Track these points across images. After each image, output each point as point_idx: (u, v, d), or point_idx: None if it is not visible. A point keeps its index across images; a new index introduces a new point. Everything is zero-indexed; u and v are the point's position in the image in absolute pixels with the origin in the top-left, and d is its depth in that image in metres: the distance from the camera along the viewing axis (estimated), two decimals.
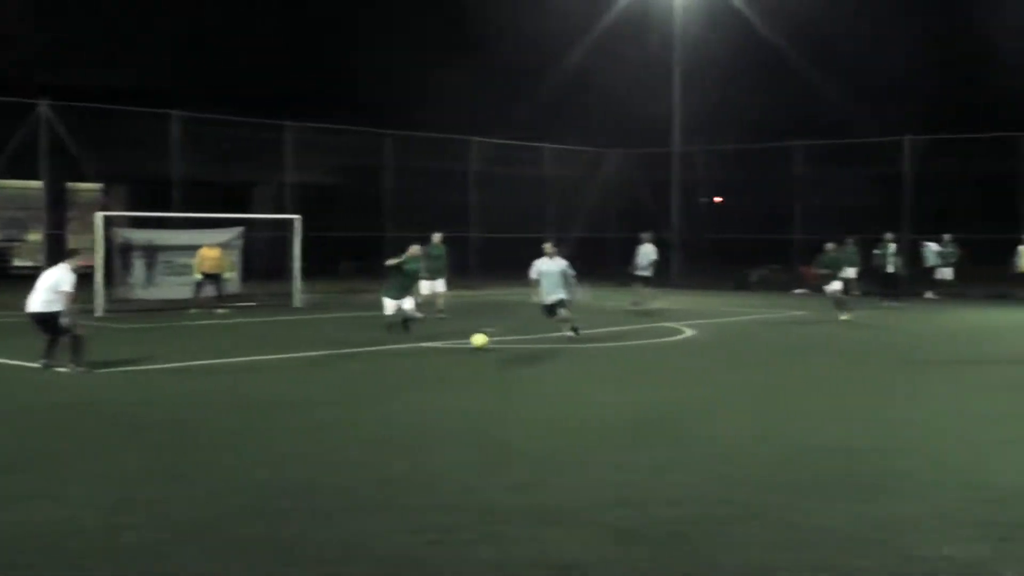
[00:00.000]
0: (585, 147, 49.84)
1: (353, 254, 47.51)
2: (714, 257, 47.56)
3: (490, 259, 43.83)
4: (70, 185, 48.34)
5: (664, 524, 8.43)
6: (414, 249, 22.86)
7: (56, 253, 26.62)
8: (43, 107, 32.70)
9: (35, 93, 33.60)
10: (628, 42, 54.49)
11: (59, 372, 17.18)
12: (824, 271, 29.28)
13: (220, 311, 29.83)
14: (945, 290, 38.15)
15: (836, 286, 28.83)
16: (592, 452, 11.26)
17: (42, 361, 17.58)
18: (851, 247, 38.10)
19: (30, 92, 34.29)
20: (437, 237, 28.55)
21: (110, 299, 30.40)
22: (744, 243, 45.91)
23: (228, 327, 26.68)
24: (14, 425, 12.86)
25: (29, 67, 49.28)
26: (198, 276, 30.45)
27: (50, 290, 17.61)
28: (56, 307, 17.50)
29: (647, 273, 32.60)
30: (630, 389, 16.05)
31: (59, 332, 17.57)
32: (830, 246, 29.42)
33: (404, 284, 22.47)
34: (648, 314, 29.70)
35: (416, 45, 61.06)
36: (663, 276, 41.56)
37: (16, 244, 55.12)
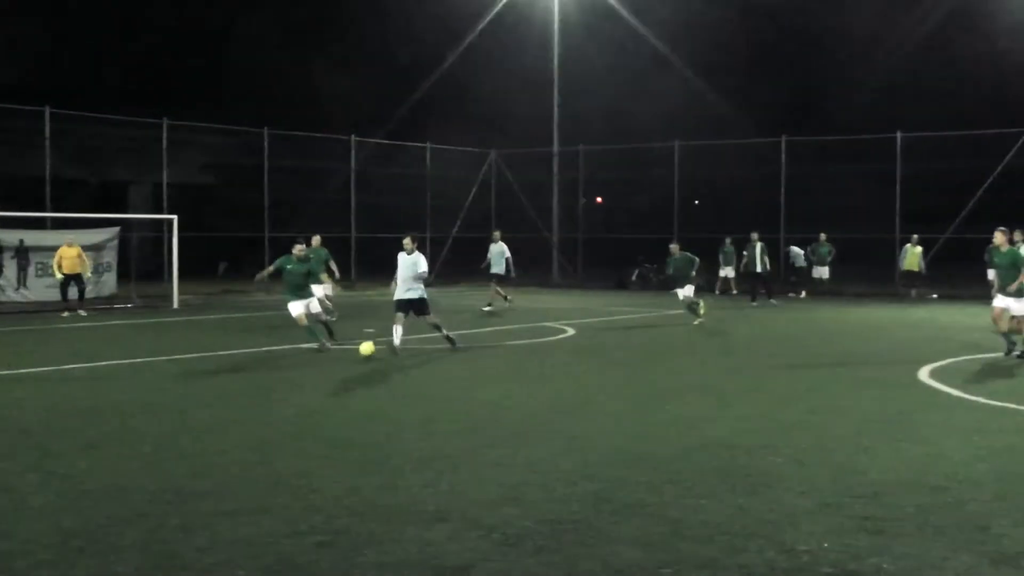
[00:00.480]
0: (466, 147, 49.87)
1: (231, 255, 47.06)
2: (595, 256, 47.96)
3: (371, 259, 43.67)
4: None
5: (549, 523, 8.40)
6: (298, 249, 22.18)
7: None
8: None
9: None
10: (510, 42, 54.71)
11: None
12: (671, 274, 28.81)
13: (82, 313, 29.24)
14: (823, 288, 38.84)
15: (687, 291, 28.05)
16: (476, 452, 11.21)
17: None
18: (728, 247, 38.65)
19: None
20: (316, 240, 28.18)
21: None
22: (626, 243, 46.33)
23: (100, 329, 26.17)
24: None
25: None
26: (59, 276, 29.76)
27: None
28: None
29: (499, 271, 32.40)
30: (512, 388, 16.02)
31: None
32: (674, 247, 28.65)
33: (299, 284, 21.35)
34: (498, 314, 29.80)
35: (295, 43, 60.65)
36: (544, 276, 41.78)
37: None
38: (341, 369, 18.19)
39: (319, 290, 24.61)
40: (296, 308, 21.27)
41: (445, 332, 20.95)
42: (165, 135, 37.93)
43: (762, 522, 8.44)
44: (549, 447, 11.47)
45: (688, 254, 27.86)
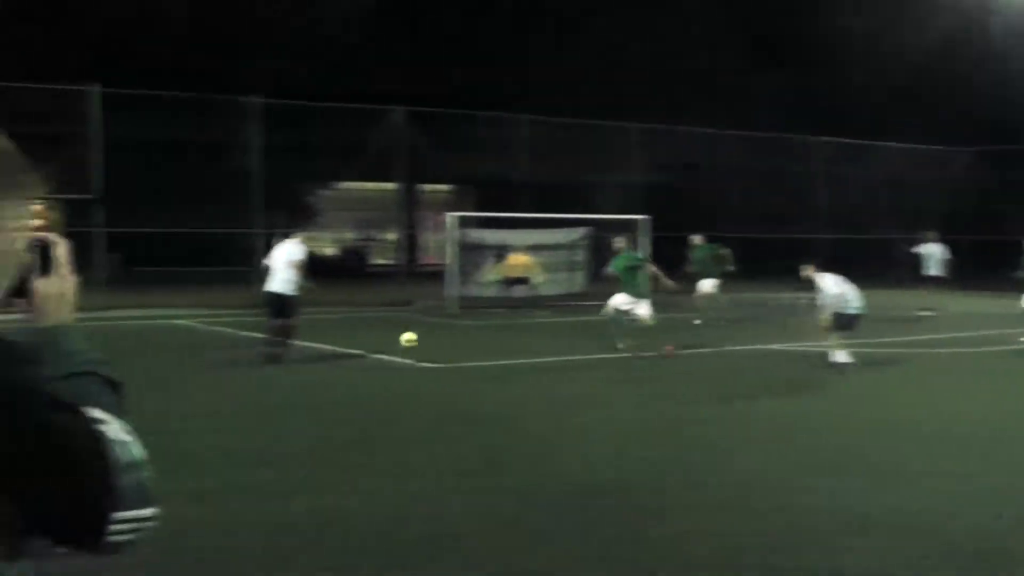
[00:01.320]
0: (931, 145, 48.07)
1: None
2: None
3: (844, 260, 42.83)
4: (421, 187, 50.12)
5: (987, 539, 8.00)
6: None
7: (410, 252, 27.55)
8: (396, 113, 33.98)
9: (389, 100, 34.99)
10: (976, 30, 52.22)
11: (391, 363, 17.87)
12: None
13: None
14: None
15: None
16: (934, 461, 10.78)
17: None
18: None
19: (384, 99, 35.78)
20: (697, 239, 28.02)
21: (459, 297, 31.33)
22: None
23: (567, 326, 26.94)
24: (338, 415, 13.38)
25: (380, 75, 51.43)
26: (497, 278, 30.97)
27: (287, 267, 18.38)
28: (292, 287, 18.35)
29: (937, 273, 30.46)
30: (978, 398, 15.30)
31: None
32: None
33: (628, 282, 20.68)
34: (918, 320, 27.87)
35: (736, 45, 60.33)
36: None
37: (372, 244, 57.66)
38: (807, 373, 17.94)
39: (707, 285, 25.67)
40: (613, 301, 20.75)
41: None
42: (633, 138, 38.78)
43: None
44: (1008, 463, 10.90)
45: None
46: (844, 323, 17.79)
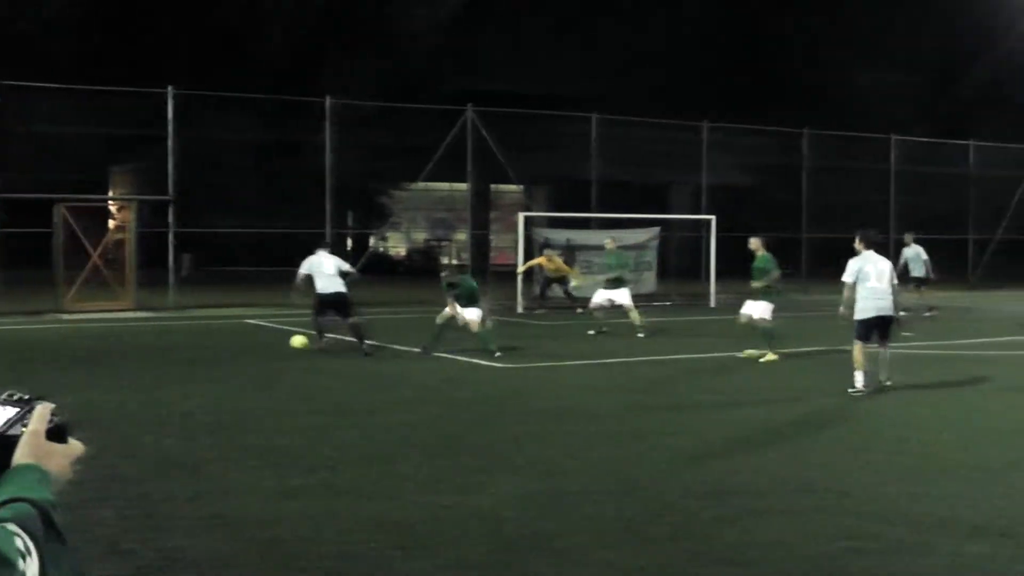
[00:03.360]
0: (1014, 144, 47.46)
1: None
2: None
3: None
4: (493, 187, 50.30)
5: None
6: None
7: (481, 252, 27.65)
8: (469, 112, 34.15)
9: (461, 99, 35.16)
10: None
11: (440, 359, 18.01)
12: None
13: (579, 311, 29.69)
14: None
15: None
16: (1017, 465, 10.72)
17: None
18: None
19: (456, 99, 35.97)
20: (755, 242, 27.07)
21: (529, 297, 31.43)
22: None
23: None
24: (427, 413, 13.44)
25: (452, 75, 51.69)
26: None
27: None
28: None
29: (919, 275, 29.72)
30: None
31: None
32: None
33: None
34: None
35: (834, 43, 59.93)
36: None
37: (444, 244, 57.94)
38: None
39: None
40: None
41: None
42: (705, 137, 38.61)
43: None
44: None
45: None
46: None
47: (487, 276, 33.05)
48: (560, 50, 57.38)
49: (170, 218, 30.05)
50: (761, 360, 19.06)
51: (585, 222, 36.08)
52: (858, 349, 15.11)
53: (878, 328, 15.28)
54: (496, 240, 53.40)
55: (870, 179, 44.23)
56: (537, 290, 31.86)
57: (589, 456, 10.94)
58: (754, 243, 20.35)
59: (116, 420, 12.34)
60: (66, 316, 27.04)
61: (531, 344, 21.70)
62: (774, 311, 19.81)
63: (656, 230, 35.63)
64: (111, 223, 32.32)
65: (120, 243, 30.08)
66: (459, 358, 18.99)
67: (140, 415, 13.01)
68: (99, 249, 29.13)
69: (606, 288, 24.77)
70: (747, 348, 19.78)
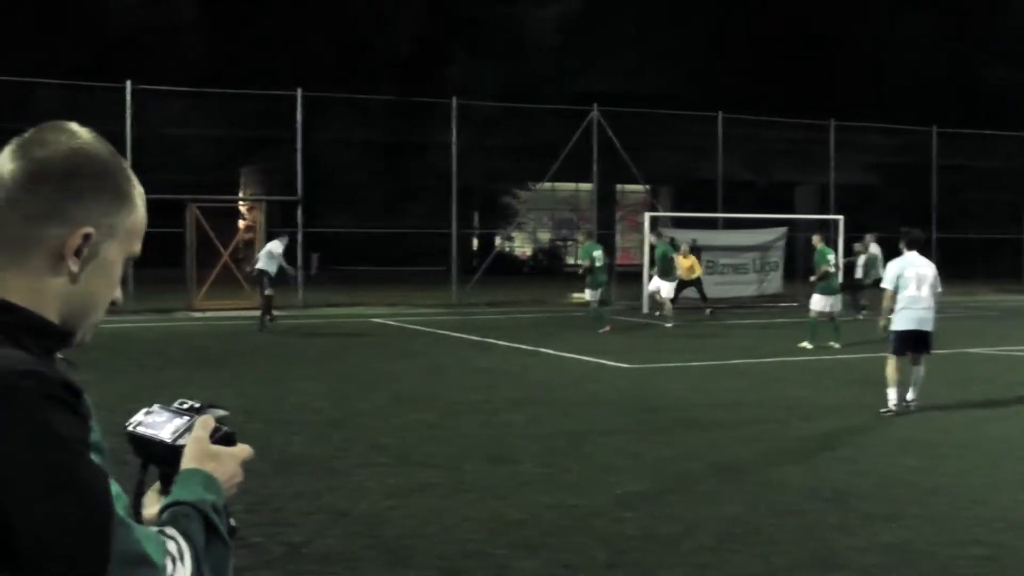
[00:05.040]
0: None
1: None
2: None
3: None
4: (618, 187, 50.18)
5: None
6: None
7: (607, 252, 27.43)
8: (595, 112, 34.14)
9: (586, 100, 35.18)
10: None
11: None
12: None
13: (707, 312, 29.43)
14: None
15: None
16: None
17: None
18: None
19: (581, 99, 36.01)
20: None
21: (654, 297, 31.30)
22: None
23: (765, 327, 26.72)
24: (553, 414, 13.44)
25: (576, 75, 51.69)
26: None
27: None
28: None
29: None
30: None
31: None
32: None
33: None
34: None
35: (957, 38, 58.78)
36: None
37: (568, 244, 57.95)
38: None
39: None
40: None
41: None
42: (832, 136, 38.12)
43: None
44: None
45: None
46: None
47: (612, 275, 32.96)
48: (682, 49, 57.08)
49: (299, 218, 30.50)
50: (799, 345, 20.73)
51: (712, 222, 35.85)
52: (891, 365, 13.65)
53: (914, 342, 13.73)
54: (621, 240, 53.26)
55: (1002, 178, 43.35)
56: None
57: (711, 457, 10.86)
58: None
59: (246, 417, 12.54)
60: (196, 314, 27.58)
61: (657, 344, 21.63)
62: (828, 303, 21.16)
63: (783, 230, 35.26)
64: (241, 223, 32.86)
65: (250, 243, 30.57)
66: (583, 358, 19.00)
67: (269, 412, 13.22)
68: (229, 248, 29.67)
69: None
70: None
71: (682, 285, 29.69)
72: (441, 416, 13.10)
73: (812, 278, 21.68)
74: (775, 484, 9.78)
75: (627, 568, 7.42)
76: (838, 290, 21.70)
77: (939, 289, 13.90)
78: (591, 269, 24.69)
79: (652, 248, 29.42)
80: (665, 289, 26.48)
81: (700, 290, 29.97)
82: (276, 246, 24.36)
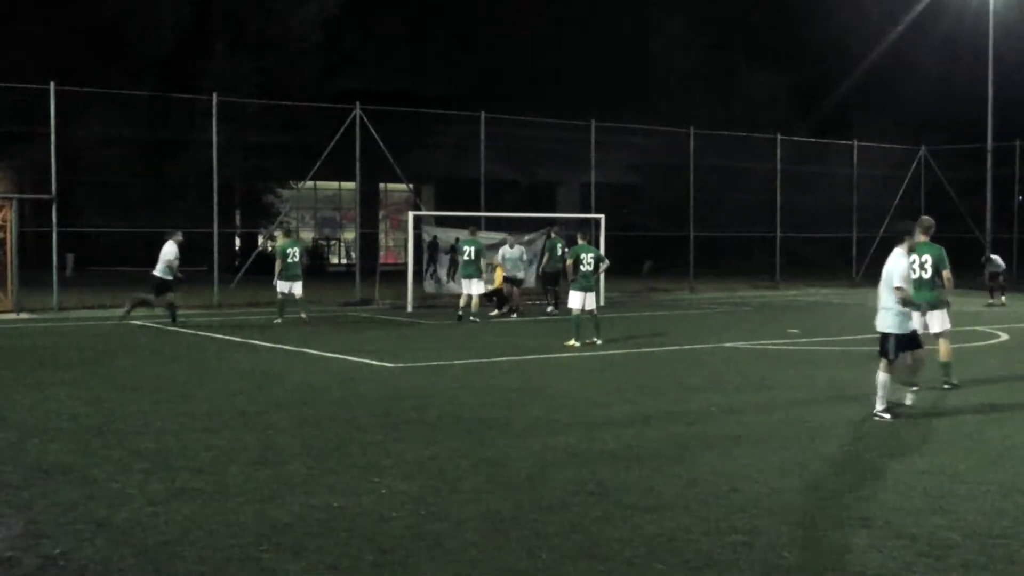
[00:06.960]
0: (892, 144, 48.48)
1: (655, 254, 47.54)
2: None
3: (794, 259, 43.23)
4: (382, 186, 50.12)
5: (977, 537, 8.11)
6: None
7: (370, 251, 27.51)
8: (357, 111, 33.97)
9: (350, 98, 34.98)
10: (939, 32, 52.77)
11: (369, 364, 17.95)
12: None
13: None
14: None
15: None
16: (898, 459, 10.91)
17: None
18: None
19: (344, 98, 35.80)
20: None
21: (418, 295, 31.38)
22: None
23: (521, 325, 27.03)
24: (318, 415, 13.33)
25: (340, 74, 51.41)
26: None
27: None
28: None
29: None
30: (942, 395, 15.43)
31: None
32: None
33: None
34: None
35: (718, 42, 60.78)
36: (975, 278, 40.14)
37: (332, 242, 57.60)
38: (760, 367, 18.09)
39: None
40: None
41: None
42: (593, 136, 38.77)
43: None
44: (979, 457, 11.04)
45: None
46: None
47: (376, 275, 32.88)
48: (445, 49, 57.45)
49: (53, 217, 29.49)
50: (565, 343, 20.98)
51: (474, 221, 36.03)
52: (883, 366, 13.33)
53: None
54: (384, 239, 53.22)
55: (756, 178, 44.91)
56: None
57: (477, 455, 10.92)
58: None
59: None
60: None
61: (421, 343, 21.66)
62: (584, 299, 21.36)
63: (548, 230, 35.72)
64: None
65: (1, 243, 29.38)
66: (348, 358, 18.92)
67: (23, 419, 12.76)
68: None
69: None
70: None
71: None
72: (204, 419, 12.83)
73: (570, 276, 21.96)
74: (541, 480, 9.90)
75: (394, 567, 7.39)
76: (593, 287, 21.88)
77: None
78: (286, 264, 26.60)
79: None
80: (478, 287, 27.64)
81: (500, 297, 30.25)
82: (172, 249, 25.15)
